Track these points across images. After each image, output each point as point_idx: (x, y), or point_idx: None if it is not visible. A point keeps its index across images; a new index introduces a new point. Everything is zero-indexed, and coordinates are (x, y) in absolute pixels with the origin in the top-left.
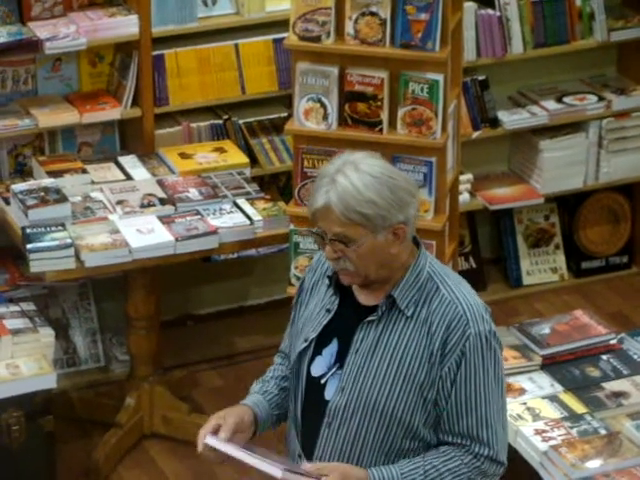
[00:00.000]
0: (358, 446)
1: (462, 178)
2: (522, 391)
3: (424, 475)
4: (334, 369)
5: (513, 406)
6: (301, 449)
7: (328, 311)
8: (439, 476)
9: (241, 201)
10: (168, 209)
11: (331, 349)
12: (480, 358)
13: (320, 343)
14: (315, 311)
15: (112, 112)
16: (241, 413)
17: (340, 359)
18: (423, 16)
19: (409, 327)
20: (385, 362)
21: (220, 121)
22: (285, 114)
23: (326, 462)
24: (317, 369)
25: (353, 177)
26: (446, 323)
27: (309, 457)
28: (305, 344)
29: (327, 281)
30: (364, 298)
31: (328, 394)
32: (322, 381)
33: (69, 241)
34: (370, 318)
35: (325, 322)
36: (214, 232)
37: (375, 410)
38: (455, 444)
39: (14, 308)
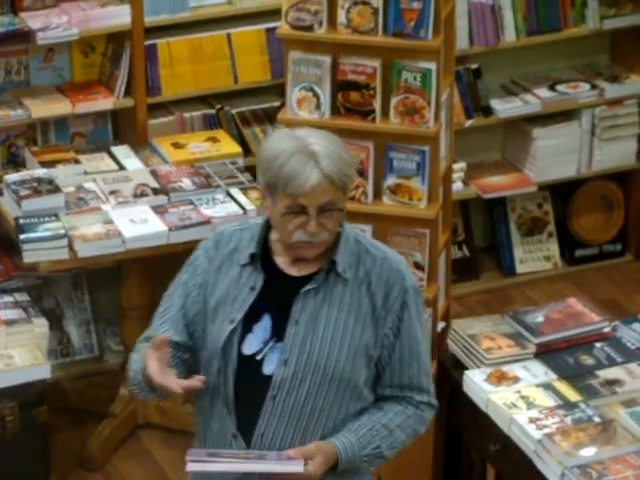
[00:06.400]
0: (306, 414)
1: (455, 167)
2: (516, 379)
3: (377, 435)
4: (271, 343)
5: (507, 394)
6: (236, 429)
7: (252, 289)
8: (389, 434)
9: (234, 191)
10: (161, 199)
11: (264, 325)
12: (415, 309)
13: (247, 321)
14: (232, 291)
15: (105, 102)
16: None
17: (277, 333)
18: (415, 5)
19: (348, 290)
20: (330, 327)
21: (213, 111)
22: (278, 103)
23: (269, 437)
24: (250, 347)
25: (327, 144)
26: (384, 279)
27: (248, 434)
28: (232, 325)
29: (247, 259)
30: (297, 270)
31: (268, 369)
32: (258, 357)
33: (62, 231)
34: (309, 286)
35: (251, 300)
36: (207, 222)
37: (325, 376)
38: (395, 397)
39: (8, 299)
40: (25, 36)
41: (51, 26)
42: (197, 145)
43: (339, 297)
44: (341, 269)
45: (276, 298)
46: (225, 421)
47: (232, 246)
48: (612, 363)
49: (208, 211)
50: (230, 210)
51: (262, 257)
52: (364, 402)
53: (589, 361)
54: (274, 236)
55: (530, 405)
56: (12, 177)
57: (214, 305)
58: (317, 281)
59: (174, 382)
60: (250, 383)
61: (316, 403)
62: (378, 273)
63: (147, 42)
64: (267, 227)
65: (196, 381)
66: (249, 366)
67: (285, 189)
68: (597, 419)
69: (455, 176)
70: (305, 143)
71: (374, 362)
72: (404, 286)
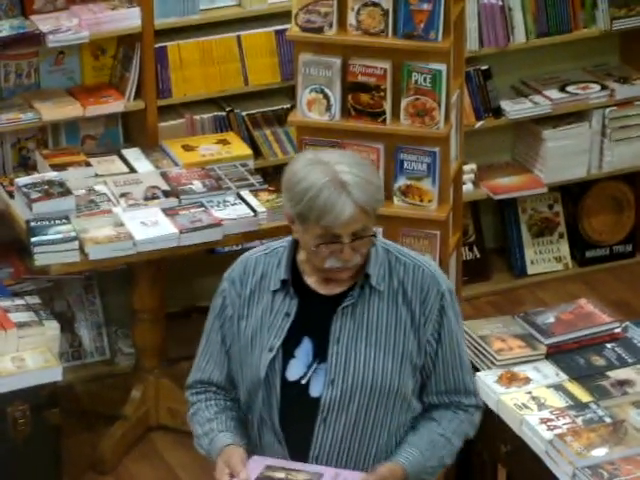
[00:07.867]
0: (358, 432)
1: (466, 168)
2: (527, 380)
3: (437, 445)
4: (314, 366)
5: (518, 395)
6: (289, 456)
7: (287, 315)
8: (447, 441)
9: (245, 193)
10: (172, 201)
11: (305, 348)
12: (453, 312)
13: (287, 347)
14: (266, 319)
15: (115, 105)
16: (236, 453)
17: (319, 354)
18: (425, 6)
19: (385, 301)
20: (372, 341)
21: (223, 113)
22: (288, 105)
23: (324, 460)
24: (294, 372)
25: (356, 171)
26: (419, 286)
27: (302, 460)
28: (272, 353)
29: (278, 285)
30: (330, 288)
31: (314, 391)
32: (303, 381)
33: (73, 234)
34: (346, 303)
35: (287, 326)
36: (218, 224)
37: (374, 391)
38: (444, 404)
39: (19, 302)
40: (35, 39)
41: (61, 29)
42: (207, 147)
43: (377, 310)
44: (375, 281)
45: (313, 319)
46: (275, 450)
47: (260, 273)
48: (623, 364)
49: (219, 213)
50: (241, 212)
51: (292, 280)
52: (414, 412)
53: (600, 362)
54: (302, 257)
55: (541, 406)
56: (23, 180)
57: (250, 335)
58: (353, 297)
59: None
60: (298, 408)
61: (367, 419)
62: (412, 280)
63: (157, 44)
64: (293, 248)
65: None
66: (295, 391)
67: (318, 221)
68: (608, 420)
69: (465, 177)
70: (334, 172)
71: (419, 370)
72: (440, 290)
